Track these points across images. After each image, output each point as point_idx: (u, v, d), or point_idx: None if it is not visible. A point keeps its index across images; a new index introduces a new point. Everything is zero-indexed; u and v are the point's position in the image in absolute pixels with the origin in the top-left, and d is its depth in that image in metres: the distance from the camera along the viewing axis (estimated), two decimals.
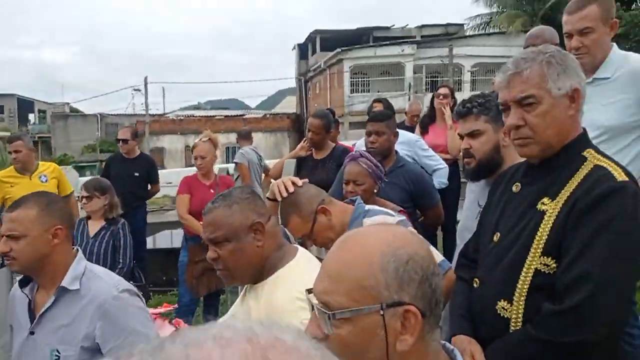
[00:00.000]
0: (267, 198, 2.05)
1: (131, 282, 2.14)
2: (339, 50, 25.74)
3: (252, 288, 1.50)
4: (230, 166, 5.55)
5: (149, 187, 5.12)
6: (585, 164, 1.30)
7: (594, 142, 1.44)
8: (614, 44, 2.14)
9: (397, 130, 3.00)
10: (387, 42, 26.59)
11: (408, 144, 3.45)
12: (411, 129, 4.33)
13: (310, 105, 29.60)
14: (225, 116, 28.24)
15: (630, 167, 1.54)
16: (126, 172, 4.84)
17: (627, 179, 1.25)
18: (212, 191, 3.82)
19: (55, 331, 1.55)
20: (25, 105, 39.24)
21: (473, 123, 1.85)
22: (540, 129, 1.29)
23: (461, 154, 2.01)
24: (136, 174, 4.91)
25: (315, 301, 0.82)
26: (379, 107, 4.35)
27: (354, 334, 0.78)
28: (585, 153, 1.32)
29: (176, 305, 3.36)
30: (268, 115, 30.17)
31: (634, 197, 1.22)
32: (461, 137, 1.92)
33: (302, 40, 32.93)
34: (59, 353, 1.53)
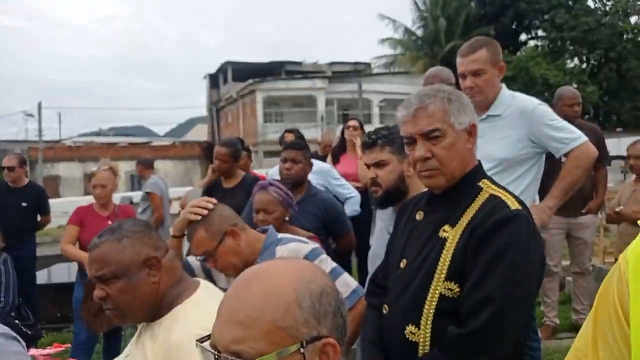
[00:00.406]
0: (173, 236, 1.94)
1: (17, 321, 1.92)
2: (251, 81, 25.97)
3: (148, 326, 1.38)
4: (135, 194, 5.28)
5: (39, 218, 4.67)
6: (481, 193, 1.38)
7: (490, 173, 1.55)
8: (504, 84, 2.36)
9: (311, 160, 3.04)
10: (300, 76, 27.32)
11: (321, 173, 3.49)
12: (323, 159, 4.41)
13: (223, 134, 29.26)
14: (130, 143, 26.86)
15: (522, 196, 1.67)
16: (12, 202, 4.40)
17: (519, 207, 1.34)
18: (109, 222, 3.55)
19: None
20: None
21: (378, 154, 1.91)
22: (447, 161, 1.35)
23: (368, 183, 2.06)
24: (24, 204, 4.46)
25: (222, 353, 0.74)
26: (290, 137, 4.39)
27: None
28: (480, 183, 1.40)
29: (69, 345, 3.03)
30: (177, 143, 29.23)
31: (527, 224, 1.31)
32: (368, 167, 1.97)
33: (213, 70, 32.76)
34: None
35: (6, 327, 1.51)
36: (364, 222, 4.02)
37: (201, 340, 0.81)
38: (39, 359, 2.06)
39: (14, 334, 1.49)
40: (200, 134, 37.06)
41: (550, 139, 2.22)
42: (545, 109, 2.32)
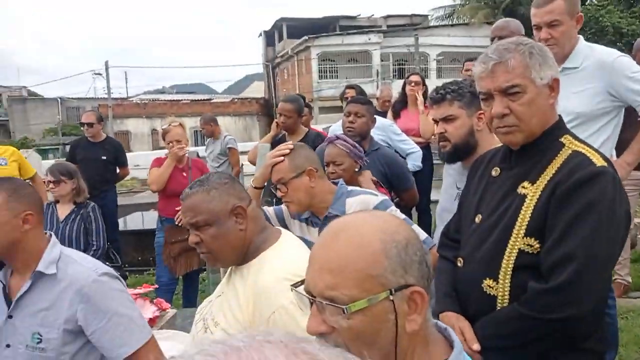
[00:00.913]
0: (255, 187, 2.09)
1: (107, 263, 2.13)
2: (306, 37, 25.65)
3: (237, 269, 1.52)
4: (199, 149, 5.53)
5: (117, 170, 5.03)
6: (563, 149, 1.35)
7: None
8: (580, 36, 2.25)
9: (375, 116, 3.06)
10: (354, 31, 26.65)
11: (382, 129, 3.50)
12: (382, 114, 4.40)
13: (279, 91, 29.44)
14: (192, 100, 27.69)
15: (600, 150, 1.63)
16: (93, 156, 4.74)
17: (605, 163, 1.31)
18: (184, 174, 3.80)
19: (34, 315, 1.53)
20: None
21: (447, 108, 1.91)
22: (526, 117, 1.33)
23: (435, 137, 2.08)
24: (104, 158, 4.80)
25: (317, 298, 0.80)
26: (351, 93, 4.39)
27: (365, 323, 0.79)
28: (562, 139, 1.38)
29: (156, 286, 3.34)
30: (236, 100, 29.76)
31: (613, 181, 1.28)
32: (436, 122, 1.98)
33: (268, 28, 32.61)
34: (41, 336, 1.51)
35: (110, 267, 1.71)
36: (425, 177, 4.03)
37: (295, 285, 0.90)
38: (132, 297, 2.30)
39: (117, 274, 1.69)
40: (257, 90, 37.46)
41: (631, 92, 2.12)
42: (627, 60, 2.19)
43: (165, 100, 27.72)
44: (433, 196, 4.26)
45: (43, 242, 1.60)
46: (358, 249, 0.80)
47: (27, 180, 3.70)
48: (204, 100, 28.64)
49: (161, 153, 3.91)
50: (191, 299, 3.92)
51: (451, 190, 2.06)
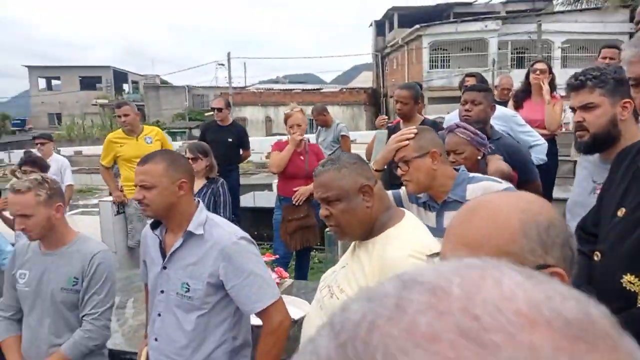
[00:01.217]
0: (376, 170, 2.17)
1: None
2: (417, 26, 25.03)
3: (361, 244, 1.60)
4: (311, 136, 5.73)
5: (241, 152, 5.43)
6: None
7: None
8: None
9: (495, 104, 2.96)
10: (470, 18, 25.40)
11: (503, 119, 3.36)
12: (501, 104, 4.21)
13: (387, 80, 29.20)
14: (303, 90, 28.62)
15: None
16: (221, 138, 5.15)
17: None
18: (302, 157, 4.00)
19: (184, 268, 1.77)
20: (120, 77, 42.34)
21: (587, 96, 1.80)
22: None
23: (571, 127, 1.97)
24: (230, 140, 5.21)
25: None
26: (471, 81, 4.26)
27: None
28: None
29: (277, 256, 3.61)
30: (344, 90, 30.15)
31: None
32: (573, 110, 1.88)
33: (379, 17, 32.39)
34: (189, 286, 1.75)
35: (246, 233, 1.90)
36: (549, 171, 3.80)
37: (431, 256, 0.94)
38: None
39: (252, 240, 1.88)
40: (364, 81, 37.56)
41: None
42: None
43: (279, 90, 29.01)
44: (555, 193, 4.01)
45: (193, 207, 1.83)
46: (496, 226, 0.79)
47: None
48: (314, 89, 29.45)
49: (274, 139, 4.16)
50: (303, 273, 4.16)
51: (585, 184, 1.94)
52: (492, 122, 2.96)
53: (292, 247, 3.95)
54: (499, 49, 24.26)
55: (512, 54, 24.65)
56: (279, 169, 3.97)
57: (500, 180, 2.03)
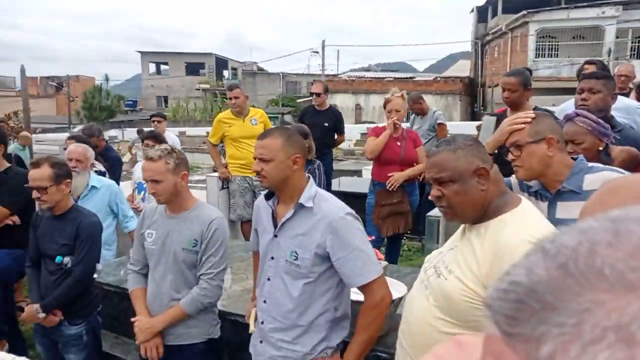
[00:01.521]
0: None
1: None
2: (524, 12, 23.42)
3: (472, 227, 1.58)
4: (404, 125, 5.68)
5: (336, 136, 5.53)
6: None
7: None
8: None
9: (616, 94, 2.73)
10: (585, 4, 23.26)
11: (626, 111, 3.09)
12: (620, 95, 3.86)
13: (487, 69, 27.82)
14: (395, 78, 28.18)
15: None
16: (318, 122, 5.29)
17: None
18: (398, 143, 3.99)
19: (293, 237, 1.87)
20: (221, 63, 44.73)
21: None
22: None
23: None
24: (325, 124, 5.33)
25: None
26: (591, 68, 3.95)
27: None
28: None
29: (372, 237, 3.67)
30: (439, 79, 29.22)
31: None
32: None
33: (481, 3, 30.79)
34: (297, 254, 1.85)
35: (352, 209, 1.97)
36: None
37: None
38: None
39: (357, 216, 1.94)
40: (460, 69, 36.11)
41: None
42: None
43: (370, 78, 28.84)
44: None
45: (304, 181, 1.93)
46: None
47: None
48: (406, 78, 28.86)
49: (363, 127, 4.17)
50: (393, 260, 4.17)
51: None
52: (613, 113, 2.75)
53: (384, 233, 3.97)
54: (617, 37, 22.03)
55: (632, 42, 22.29)
56: (372, 154, 4.00)
57: (622, 171, 1.89)
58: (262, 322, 1.95)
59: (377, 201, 3.97)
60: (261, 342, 1.96)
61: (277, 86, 34.75)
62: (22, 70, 16.64)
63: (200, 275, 2.19)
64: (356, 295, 2.06)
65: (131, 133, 18.98)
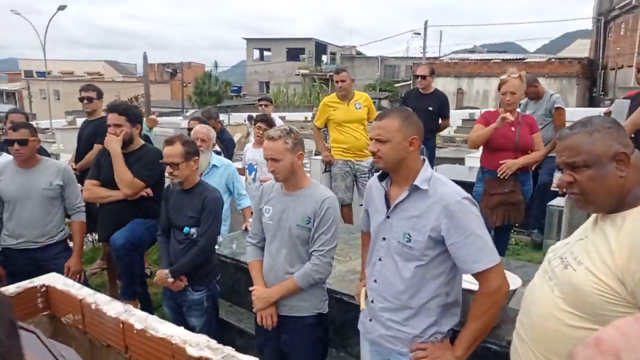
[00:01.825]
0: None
1: None
2: None
3: (606, 216, 1.47)
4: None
5: (440, 121, 5.38)
6: None
7: None
8: None
9: None
10: None
11: None
12: None
13: (609, 49, 25.10)
14: (503, 60, 26.48)
15: None
16: (421, 105, 5.17)
17: None
18: (512, 129, 3.77)
19: (407, 219, 1.87)
20: (320, 48, 45.36)
21: None
22: None
23: None
24: (430, 108, 5.20)
25: None
26: None
27: None
28: None
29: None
30: (553, 60, 26.90)
31: None
32: None
33: None
34: (410, 236, 1.85)
35: (468, 195, 1.92)
36: None
37: None
38: None
39: (474, 201, 1.88)
40: (578, 50, 32.93)
41: None
42: None
43: (475, 60, 27.38)
44: None
45: (419, 163, 1.92)
46: None
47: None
48: (516, 59, 26.95)
49: (464, 113, 3.96)
50: (500, 250, 3.98)
51: None
52: None
53: (492, 223, 3.80)
54: None
55: None
56: (473, 145, 3.83)
57: None
58: (372, 301, 1.99)
59: (486, 190, 3.81)
60: (370, 320, 2.00)
61: (375, 70, 34.46)
62: (145, 58, 18.24)
63: (313, 251, 2.29)
64: (467, 283, 2.02)
65: (236, 118, 20.05)
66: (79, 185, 3.52)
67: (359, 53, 39.93)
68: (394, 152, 1.87)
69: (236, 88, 43.24)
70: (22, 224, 3.17)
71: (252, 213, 4.06)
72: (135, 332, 2.14)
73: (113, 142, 3.33)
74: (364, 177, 4.95)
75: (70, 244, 3.37)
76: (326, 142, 5.36)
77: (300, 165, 2.33)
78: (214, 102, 34.74)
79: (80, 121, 15.28)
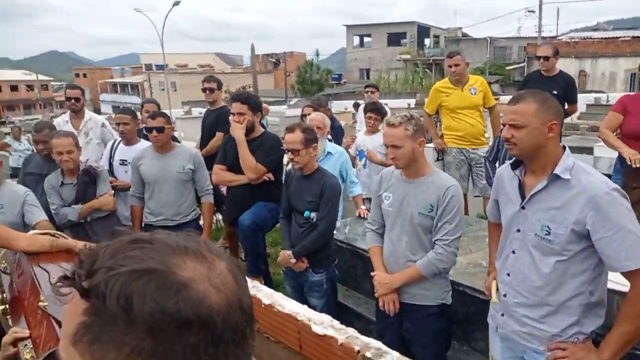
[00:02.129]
0: None
1: None
2: None
3: None
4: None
5: (566, 106, 4.96)
6: None
7: None
8: None
9: None
10: None
11: None
12: None
13: None
14: (633, 37, 23.55)
15: None
16: (544, 89, 4.75)
17: None
18: None
19: (545, 210, 1.75)
20: (423, 31, 43.98)
21: None
22: None
23: None
24: (554, 92, 4.80)
25: None
26: None
27: None
28: None
29: None
30: None
31: None
32: None
33: None
34: (550, 229, 1.73)
35: (617, 186, 1.74)
36: None
37: None
38: None
39: (625, 193, 1.71)
40: None
41: None
42: None
43: (599, 38, 24.68)
44: None
45: (559, 150, 1.78)
46: None
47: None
48: None
49: (589, 97, 3.59)
50: None
51: None
52: None
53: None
54: None
55: None
56: (601, 136, 3.51)
57: None
58: (505, 295, 1.91)
59: (626, 183, 3.45)
60: (502, 315, 1.93)
61: (484, 53, 32.57)
62: (252, 49, 19.11)
63: (436, 240, 2.25)
64: (612, 283, 1.85)
65: (337, 106, 20.24)
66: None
67: (464, 35, 38.02)
68: (531, 138, 1.75)
69: (337, 76, 43.52)
70: (160, 204, 3.51)
71: (363, 200, 4.13)
72: (262, 306, 2.27)
73: (237, 130, 3.53)
74: (479, 166, 4.74)
75: (201, 223, 3.67)
76: (438, 129, 5.21)
77: (421, 152, 2.30)
78: (316, 90, 35.37)
79: (195, 111, 16.47)
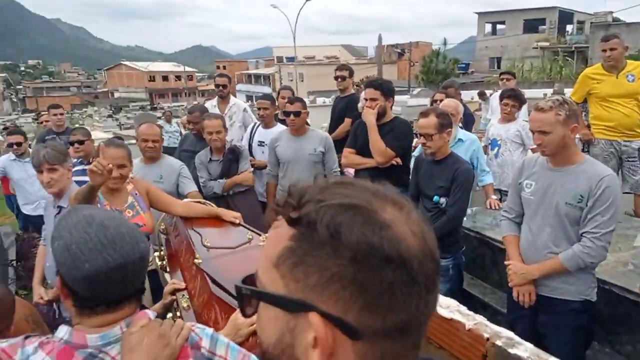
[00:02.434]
0: None
1: None
2: None
3: None
4: None
5: None
6: None
7: None
8: None
9: None
10: None
11: None
12: None
13: None
14: None
15: None
16: None
17: None
18: None
19: None
20: (565, 17, 39.95)
21: None
22: None
23: None
24: None
25: None
26: None
27: None
28: None
29: None
30: None
31: None
32: None
33: None
34: None
35: None
36: None
37: None
38: None
39: None
40: None
41: None
42: None
43: None
44: None
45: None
46: None
47: None
48: None
49: None
50: None
51: None
52: None
53: None
54: None
55: None
56: None
57: None
58: None
59: None
60: None
61: (639, 39, 28.54)
62: (379, 39, 19.11)
63: (584, 232, 2.09)
64: None
65: (464, 95, 19.37)
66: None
67: (615, 20, 33.65)
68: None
69: (464, 65, 41.64)
70: (292, 182, 3.73)
71: (493, 190, 3.95)
72: None
73: (369, 115, 3.61)
74: (632, 160, 4.24)
75: None
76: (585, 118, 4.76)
77: (572, 138, 2.14)
78: (441, 80, 34.24)
79: (320, 100, 17.09)
